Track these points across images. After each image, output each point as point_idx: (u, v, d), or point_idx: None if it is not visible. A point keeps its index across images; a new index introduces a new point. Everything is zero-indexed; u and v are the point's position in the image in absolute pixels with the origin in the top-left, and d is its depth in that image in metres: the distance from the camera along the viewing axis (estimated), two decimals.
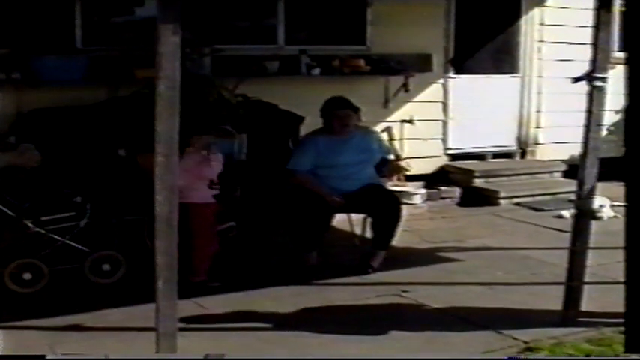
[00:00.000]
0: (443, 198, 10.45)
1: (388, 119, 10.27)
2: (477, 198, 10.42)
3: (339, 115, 7.37)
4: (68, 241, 6.75)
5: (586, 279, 6.00)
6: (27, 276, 6.57)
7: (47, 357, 5.00)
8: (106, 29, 8.93)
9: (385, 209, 7.30)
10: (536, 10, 11.21)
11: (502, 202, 10.32)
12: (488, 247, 8.29)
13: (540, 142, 11.49)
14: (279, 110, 8.90)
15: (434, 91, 10.71)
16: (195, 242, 6.59)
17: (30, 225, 6.66)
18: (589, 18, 5.88)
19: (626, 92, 4.95)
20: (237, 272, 7.22)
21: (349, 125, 7.40)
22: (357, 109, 7.50)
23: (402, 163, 8.09)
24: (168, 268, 4.68)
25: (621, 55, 9.76)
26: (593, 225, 6.03)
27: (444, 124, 10.90)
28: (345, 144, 7.36)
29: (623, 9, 5.26)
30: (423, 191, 10.31)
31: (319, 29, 10.10)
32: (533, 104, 11.40)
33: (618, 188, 9.38)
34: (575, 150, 6.01)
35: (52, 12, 8.51)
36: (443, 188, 10.55)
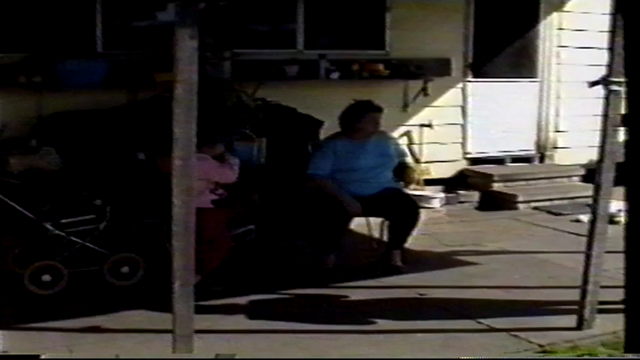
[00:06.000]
0: (461, 202, 10.46)
1: (407, 123, 10.30)
2: (495, 202, 10.42)
3: (374, 117, 7.41)
4: (87, 244, 6.79)
5: (603, 283, 6.00)
6: (46, 278, 6.61)
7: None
8: (126, 33, 8.98)
9: (403, 212, 7.30)
10: (555, 15, 11.21)
11: (520, 206, 10.32)
12: (506, 250, 8.30)
13: (559, 146, 11.49)
14: (298, 114, 8.93)
15: (453, 95, 10.72)
16: None
17: (50, 227, 6.71)
18: (607, 23, 5.87)
19: (626, 97, 4.94)
20: (255, 275, 7.25)
21: (378, 127, 7.44)
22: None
23: (421, 167, 8.08)
24: (184, 271, 4.72)
25: None
26: (611, 229, 6.01)
27: (463, 128, 10.91)
28: (363, 148, 7.37)
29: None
30: (442, 195, 10.33)
31: (339, 33, 10.13)
32: (552, 108, 11.39)
33: None
34: (594, 154, 5.99)
35: (73, 16, 8.57)
36: (462, 192, 10.56)
